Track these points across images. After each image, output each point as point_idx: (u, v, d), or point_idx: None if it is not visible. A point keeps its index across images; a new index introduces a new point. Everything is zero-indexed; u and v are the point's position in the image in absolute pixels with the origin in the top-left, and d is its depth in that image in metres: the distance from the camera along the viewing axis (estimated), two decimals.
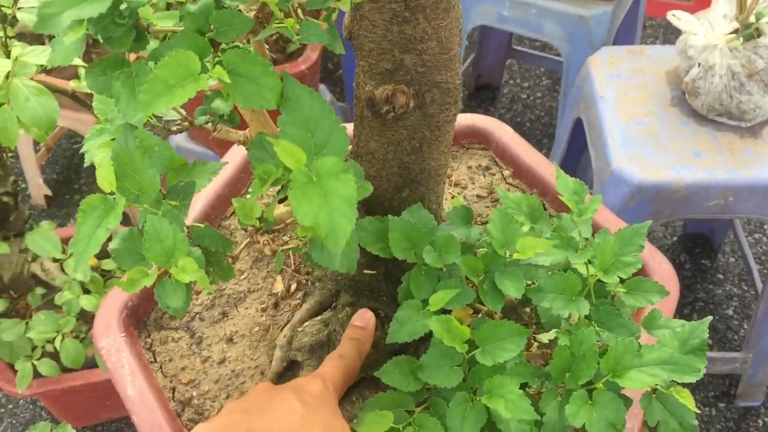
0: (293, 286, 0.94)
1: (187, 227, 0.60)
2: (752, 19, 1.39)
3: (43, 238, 1.40)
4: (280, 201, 0.63)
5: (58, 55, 0.53)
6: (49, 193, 2.24)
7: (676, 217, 1.43)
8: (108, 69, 0.54)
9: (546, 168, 1.03)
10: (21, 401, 1.86)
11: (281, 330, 0.86)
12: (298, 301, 0.93)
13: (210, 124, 0.71)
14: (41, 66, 1.16)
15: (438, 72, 0.67)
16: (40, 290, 1.49)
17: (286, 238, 0.85)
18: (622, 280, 0.71)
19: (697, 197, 1.39)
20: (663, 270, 0.86)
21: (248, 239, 0.61)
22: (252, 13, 0.61)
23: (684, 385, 0.86)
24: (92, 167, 2.12)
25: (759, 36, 1.39)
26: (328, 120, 0.55)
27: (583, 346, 0.63)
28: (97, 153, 0.64)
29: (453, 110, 0.70)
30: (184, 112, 0.73)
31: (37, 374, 1.43)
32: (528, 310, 0.79)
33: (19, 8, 1.30)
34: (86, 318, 1.49)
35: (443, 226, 0.72)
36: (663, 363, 0.60)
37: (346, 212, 0.50)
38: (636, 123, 1.46)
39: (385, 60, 0.67)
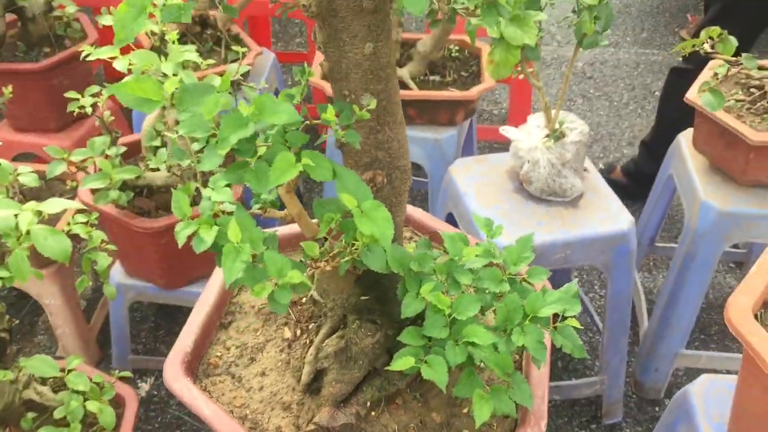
0: (299, 332, 1.32)
1: None
2: (557, 126, 1.99)
3: (39, 362, 1.65)
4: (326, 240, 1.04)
5: (208, 163, 0.93)
6: None
7: None
8: (237, 168, 0.94)
9: (449, 230, 1.49)
10: None
11: (305, 350, 1.22)
12: (305, 341, 1.30)
13: (260, 209, 1.12)
14: (40, 213, 1.50)
15: (398, 160, 1.13)
16: (31, 414, 1.71)
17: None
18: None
19: (545, 254, 1.91)
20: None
21: (310, 268, 1.01)
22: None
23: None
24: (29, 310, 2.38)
25: (564, 137, 1.99)
26: (361, 186, 0.98)
27: (512, 305, 1.07)
28: (204, 232, 1.02)
29: (408, 183, 1.16)
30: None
31: None
32: None
33: (18, 174, 1.66)
34: (84, 425, 1.72)
35: (417, 250, 1.15)
36: (557, 302, 1.06)
37: (387, 227, 0.93)
38: (494, 208, 1.99)
39: (366, 156, 1.11)
